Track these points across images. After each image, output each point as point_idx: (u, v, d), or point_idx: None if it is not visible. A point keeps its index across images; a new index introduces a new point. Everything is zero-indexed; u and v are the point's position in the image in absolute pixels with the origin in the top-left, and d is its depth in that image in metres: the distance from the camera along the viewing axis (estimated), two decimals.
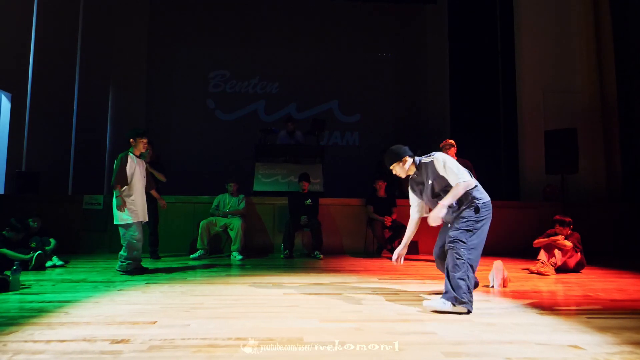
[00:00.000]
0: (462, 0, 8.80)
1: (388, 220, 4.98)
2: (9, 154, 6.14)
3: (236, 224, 4.98)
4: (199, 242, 4.93)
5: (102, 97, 8.67)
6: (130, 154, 3.81)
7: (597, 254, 5.10)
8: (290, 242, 5.01)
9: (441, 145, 4.66)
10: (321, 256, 4.90)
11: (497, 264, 3.22)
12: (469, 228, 2.42)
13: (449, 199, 2.41)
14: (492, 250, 5.10)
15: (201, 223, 5.00)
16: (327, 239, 5.19)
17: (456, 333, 1.94)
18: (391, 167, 2.65)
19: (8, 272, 2.90)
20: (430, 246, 5.39)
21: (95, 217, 5.39)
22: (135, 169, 3.78)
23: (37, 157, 6.60)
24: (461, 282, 2.30)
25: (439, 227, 2.60)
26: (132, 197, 3.70)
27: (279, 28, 9.74)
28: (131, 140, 3.88)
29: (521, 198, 6.76)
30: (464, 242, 2.38)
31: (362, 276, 3.63)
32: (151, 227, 4.75)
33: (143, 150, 4.03)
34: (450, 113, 9.01)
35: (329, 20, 9.84)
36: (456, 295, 2.28)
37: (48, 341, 1.80)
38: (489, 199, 2.55)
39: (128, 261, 3.66)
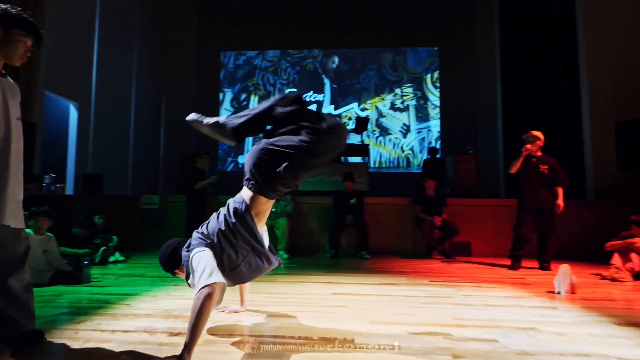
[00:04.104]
0: None
1: (438, 220, 4.75)
2: (77, 158, 6.71)
3: (282, 223, 5.03)
4: None
5: (156, 103, 9.22)
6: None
7: None
8: (335, 241, 4.97)
9: (524, 136, 4.16)
10: (368, 256, 4.80)
11: (564, 268, 2.94)
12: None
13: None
14: (556, 254, 4.73)
15: None
16: (373, 239, 5.07)
17: (520, 342, 1.78)
18: None
19: (86, 261, 3.21)
20: (482, 248, 5.13)
21: (152, 216, 5.70)
22: None
23: (100, 160, 7.15)
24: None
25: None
26: None
27: (318, 26, 9.76)
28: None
29: (588, 197, 6.19)
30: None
31: (411, 278, 3.50)
32: None
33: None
34: (501, 107, 8.48)
35: (372, 13, 9.69)
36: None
37: (113, 331, 1.90)
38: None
39: None
